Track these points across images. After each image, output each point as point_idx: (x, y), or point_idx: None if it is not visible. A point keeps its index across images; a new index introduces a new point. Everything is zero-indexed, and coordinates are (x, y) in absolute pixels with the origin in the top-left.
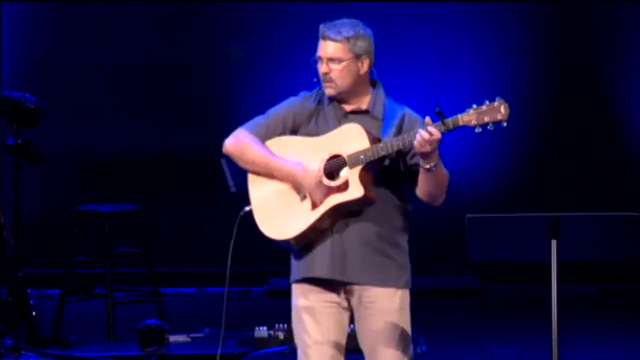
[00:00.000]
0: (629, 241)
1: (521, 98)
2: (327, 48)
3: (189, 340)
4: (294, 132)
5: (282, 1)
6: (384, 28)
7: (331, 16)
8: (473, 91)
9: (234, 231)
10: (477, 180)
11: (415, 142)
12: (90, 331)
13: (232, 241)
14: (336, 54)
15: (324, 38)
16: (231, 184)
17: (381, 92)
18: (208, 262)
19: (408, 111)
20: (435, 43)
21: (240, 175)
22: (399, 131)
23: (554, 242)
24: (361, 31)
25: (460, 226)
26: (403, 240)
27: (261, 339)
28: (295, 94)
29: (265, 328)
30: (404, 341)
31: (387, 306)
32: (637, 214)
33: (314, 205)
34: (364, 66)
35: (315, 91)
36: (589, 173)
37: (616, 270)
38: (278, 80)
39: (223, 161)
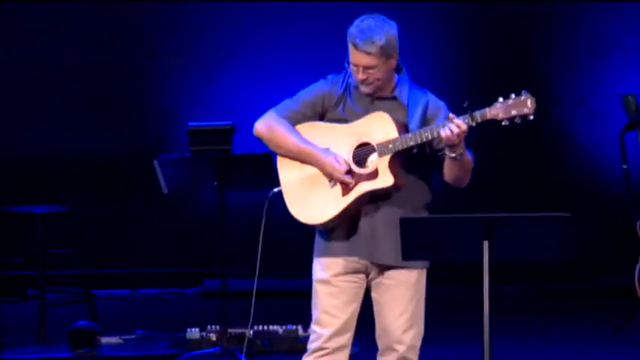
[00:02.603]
0: (561, 241)
1: (453, 99)
2: (363, 59)
3: (120, 341)
4: (322, 116)
5: (217, 1)
6: (330, 24)
7: (268, 16)
8: None
9: (264, 213)
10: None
11: (443, 135)
12: (22, 332)
13: (262, 225)
14: (372, 63)
15: (357, 49)
16: (164, 186)
17: (405, 78)
18: (141, 264)
19: (431, 97)
20: None
21: (173, 176)
22: (424, 117)
23: (486, 243)
24: (389, 33)
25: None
26: None
27: (194, 340)
28: (229, 97)
29: (197, 329)
30: (416, 314)
31: (404, 279)
32: (568, 214)
33: (344, 192)
34: (394, 60)
35: (342, 76)
36: (521, 174)
37: (548, 270)
38: (211, 81)
39: (156, 162)
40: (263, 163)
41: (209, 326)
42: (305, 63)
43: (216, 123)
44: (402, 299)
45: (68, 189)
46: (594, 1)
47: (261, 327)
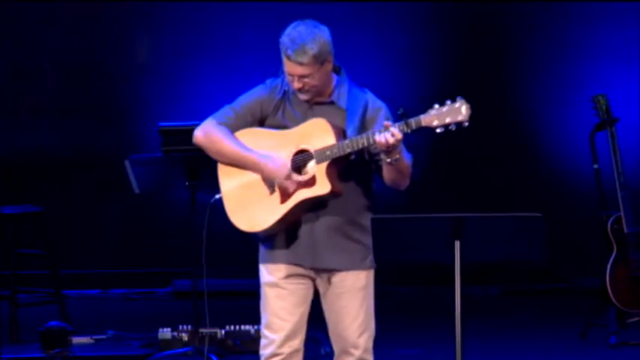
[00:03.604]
0: (532, 241)
1: (424, 99)
2: (297, 69)
3: (92, 342)
4: (261, 122)
5: (187, 1)
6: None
7: (240, 17)
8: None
9: (206, 220)
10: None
11: (378, 142)
12: None
13: (205, 230)
14: (306, 72)
15: (290, 60)
16: (135, 186)
17: (344, 80)
18: (112, 264)
19: (370, 98)
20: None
21: (144, 176)
22: (362, 121)
23: (457, 243)
24: (322, 39)
25: None
26: (367, 220)
27: (165, 340)
28: (200, 96)
29: (169, 329)
30: (367, 316)
31: (353, 284)
32: (539, 214)
33: (283, 199)
34: (329, 65)
35: (280, 81)
36: (493, 174)
37: (519, 270)
38: (182, 81)
39: (127, 163)
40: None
41: (180, 326)
42: (278, 62)
43: (188, 123)
44: (353, 305)
45: (39, 189)
46: (565, 2)
47: (232, 327)
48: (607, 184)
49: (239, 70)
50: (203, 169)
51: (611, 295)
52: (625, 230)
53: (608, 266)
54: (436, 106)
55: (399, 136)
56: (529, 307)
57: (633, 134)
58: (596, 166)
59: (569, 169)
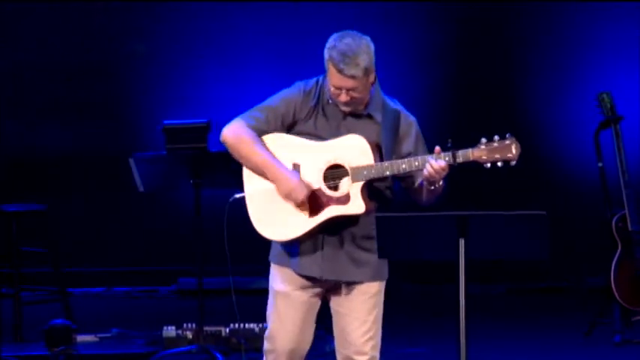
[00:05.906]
0: (536, 240)
1: (429, 96)
2: (347, 82)
3: (96, 340)
4: (290, 126)
5: (187, 1)
6: (297, 27)
7: (244, 14)
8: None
9: (225, 217)
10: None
11: (425, 173)
12: None
13: (225, 229)
14: (356, 85)
15: (342, 73)
16: (140, 184)
17: (378, 92)
18: (116, 262)
19: (402, 112)
20: None
21: (149, 174)
22: (396, 136)
23: (461, 241)
24: (369, 49)
25: None
26: None
27: (170, 338)
28: (204, 95)
29: (174, 327)
30: (375, 324)
31: (365, 290)
32: (543, 213)
33: (312, 213)
34: (373, 75)
35: (314, 86)
36: (496, 172)
37: (523, 269)
38: (187, 80)
39: (132, 161)
40: (239, 161)
41: (185, 324)
42: (281, 60)
43: (192, 121)
44: (362, 309)
45: (43, 187)
46: (568, 1)
47: (237, 325)
48: (611, 182)
49: (244, 69)
50: (207, 166)
51: (616, 294)
52: (629, 228)
53: (613, 265)
54: (484, 140)
55: (447, 169)
56: (533, 306)
57: (638, 132)
58: (600, 164)
59: (573, 168)
